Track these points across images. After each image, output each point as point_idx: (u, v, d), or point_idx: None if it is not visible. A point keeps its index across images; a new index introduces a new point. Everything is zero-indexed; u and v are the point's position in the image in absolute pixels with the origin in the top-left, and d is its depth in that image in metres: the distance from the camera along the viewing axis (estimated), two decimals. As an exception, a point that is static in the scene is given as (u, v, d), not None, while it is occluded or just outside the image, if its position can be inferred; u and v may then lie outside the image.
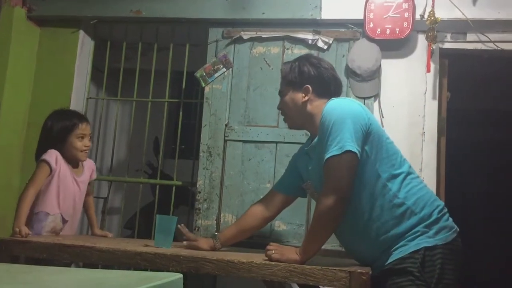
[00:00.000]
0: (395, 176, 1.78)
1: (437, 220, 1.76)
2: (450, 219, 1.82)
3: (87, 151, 2.44)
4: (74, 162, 2.43)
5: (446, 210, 1.82)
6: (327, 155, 1.73)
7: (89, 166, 2.52)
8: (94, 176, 2.57)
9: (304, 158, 2.01)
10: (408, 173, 1.81)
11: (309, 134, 2.05)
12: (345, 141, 1.70)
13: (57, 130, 2.37)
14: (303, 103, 1.93)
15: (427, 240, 1.72)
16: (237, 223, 2.22)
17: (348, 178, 1.72)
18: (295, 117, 1.98)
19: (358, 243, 1.87)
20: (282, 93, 2.01)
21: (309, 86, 1.92)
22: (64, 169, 2.35)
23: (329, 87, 1.95)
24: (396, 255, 1.74)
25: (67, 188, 2.36)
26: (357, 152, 1.71)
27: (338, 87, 2.00)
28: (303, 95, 1.93)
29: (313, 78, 1.93)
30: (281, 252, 1.76)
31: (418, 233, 1.73)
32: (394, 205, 1.75)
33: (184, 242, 2.10)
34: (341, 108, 1.79)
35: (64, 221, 2.37)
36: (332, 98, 1.91)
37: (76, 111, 2.58)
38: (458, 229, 1.81)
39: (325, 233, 1.77)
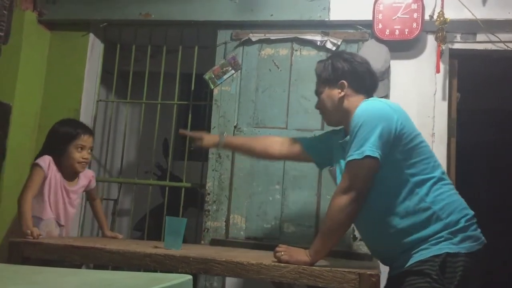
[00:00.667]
0: (425, 181, 1.75)
1: (463, 229, 1.72)
2: (478, 230, 1.77)
3: (85, 163, 2.45)
4: (70, 172, 2.44)
5: (475, 220, 1.78)
6: (348, 158, 1.74)
7: (86, 176, 2.54)
8: (94, 184, 2.58)
9: (338, 147, 2.00)
10: (440, 179, 1.78)
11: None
12: (368, 146, 1.70)
13: (59, 136, 2.39)
14: (339, 99, 1.93)
15: (450, 247, 1.69)
16: (247, 138, 2.35)
17: (363, 181, 1.72)
18: (333, 114, 1.98)
19: (379, 243, 1.86)
20: (318, 92, 2.01)
21: (344, 81, 1.93)
22: (54, 175, 2.37)
23: (364, 81, 1.95)
24: (416, 257, 1.72)
25: (56, 194, 2.38)
26: (378, 157, 1.70)
27: (374, 80, 2.00)
28: (339, 91, 1.93)
29: (347, 73, 1.93)
30: (290, 254, 1.75)
31: (442, 239, 1.70)
32: (420, 209, 1.73)
33: (192, 148, 2.22)
34: (371, 111, 1.78)
35: (60, 226, 2.39)
36: (366, 99, 1.90)
37: (83, 123, 2.59)
38: (485, 241, 1.76)
39: (335, 233, 1.77)
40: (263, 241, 2.66)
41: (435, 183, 1.76)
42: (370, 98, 1.91)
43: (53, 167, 2.36)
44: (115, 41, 3.25)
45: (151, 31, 3.16)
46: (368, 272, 1.61)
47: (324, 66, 1.98)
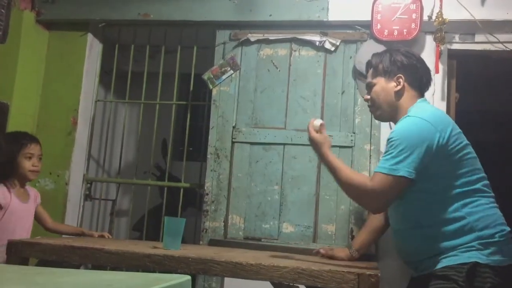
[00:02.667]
0: (463, 193, 1.75)
1: (496, 243, 1.71)
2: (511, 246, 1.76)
3: (36, 171, 2.43)
4: (21, 183, 2.42)
5: (510, 236, 1.77)
6: (383, 170, 1.73)
7: (32, 192, 2.52)
8: (39, 200, 2.55)
9: None
10: (480, 191, 1.78)
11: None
12: (404, 165, 1.70)
13: (6, 149, 2.33)
14: (395, 93, 1.92)
15: (480, 257, 1.69)
16: (365, 226, 2.23)
17: (390, 199, 1.77)
18: (384, 108, 1.96)
19: (409, 245, 1.86)
20: (371, 84, 1.98)
21: (402, 75, 1.92)
22: (14, 203, 2.34)
23: (420, 77, 1.95)
24: (444, 263, 1.72)
25: (23, 220, 2.37)
26: (412, 178, 1.71)
27: (429, 78, 1.99)
28: (395, 84, 1.92)
29: (406, 67, 1.92)
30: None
31: (473, 248, 1.70)
32: (455, 219, 1.73)
33: (321, 250, 2.15)
34: (413, 130, 1.75)
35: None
36: (421, 100, 1.91)
37: (27, 133, 2.54)
38: None
39: (339, 179, 1.85)
40: (262, 241, 2.66)
41: (473, 195, 1.76)
42: (421, 101, 1.91)
43: (8, 193, 2.33)
44: (113, 41, 3.25)
45: (150, 31, 3.16)
46: (368, 273, 1.61)
47: (382, 58, 1.96)
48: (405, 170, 1.70)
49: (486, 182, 1.82)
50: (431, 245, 1.76)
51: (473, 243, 1.70)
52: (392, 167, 1.71)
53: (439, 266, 1.72)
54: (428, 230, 1.77)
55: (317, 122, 1.96)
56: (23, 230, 2.38)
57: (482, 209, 1.75)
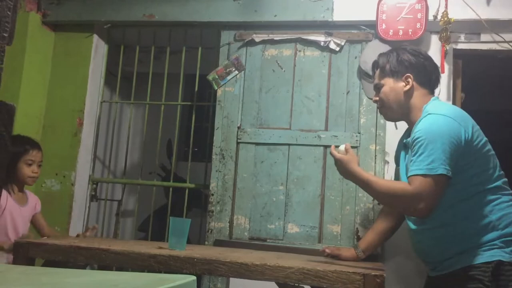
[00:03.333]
0: (486, 191, 1.74)
1: None
2: None
3: (35, 177, 2.46)
4: (20, 188, 2.44)
5: None
6: (417, 171, 1.70)
7: (33, 198, 2.54)
8: (39, 208, 2.57)
9: (402, 147, 1.98)
10: (501, 188, 1.76)
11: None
12: (440, 163, 1.67)
13: (10, 153, 2.36)
14: (405, 93, 1.91)
15: (503, 255, 1.67)
16: (373, 227, 2.19)
17: (435, 198, 1.70)
18: (394, 108, 1.94)
19: (430, 244, 1.84)
20: (379, 85, 1.97)
21: (410, 75, 1.90)
22: (10, 204, 2.36)
23: (429, 75, 1.93)
24: (466, 262, 1.70)
25: (16, 222, 2.38)
26: (449, 174, 1.68)
27: (438, 76, 1.97)
28: (404, 84, 1.91)
29: (414, 66, 1.91)
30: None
31: (495, 246, 1.69)
32: (479, 217, 1.72)
33: (327, 250, 2.13)
34: (439, 126, 1.73)
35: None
36: (434, 99, 1.89)
37: (29, 138, 2.56)
38: None
39: (376, 192, 1.80)
40: (267, 242, 2.66)
41: (496, 193, 1.74)
42: (435, 99, 1.89)
43: (7, 197, 2.35)
44: (119, 42, 3.26)
45: (155, 32, 3.17)
46: (373, 273, 1.61)
47: (388, 58, 1.95)
48: (442, 168, 1.67)
49: (505, 179, 1.80)
50: (454, 244, 1.74)
51: (496, 242, 1.69)
52: (428, 166, 1.68)
53: (461, 265, 1.70)
54: (451, 228, 1.75)
55: (342, 147, 1.90)
56: (14, 232, 2.40)
57: (504, 207, 1.73)
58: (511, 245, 1.69)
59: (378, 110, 2.07)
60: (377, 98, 1.98)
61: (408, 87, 1.90)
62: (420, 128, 1.76)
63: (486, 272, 1.65)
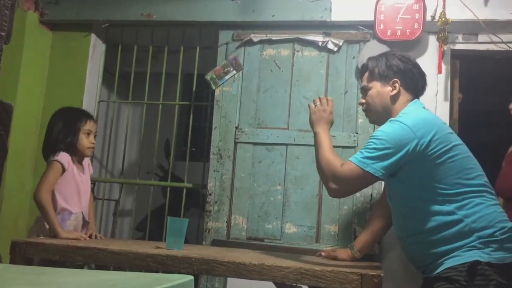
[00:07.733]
0: (458, 195, 1.75)
1: (497, 241, 1.71)
2: None
3: (93, 148, 2.46)
4: (79, 160, 2.44)
5: None
6: (353, 159, 1.79)
7: (86, 162, 2.52)
8: (91, 170, 2.57)
9: None
10: (475, 191, 1.77)
11: None
12: (376, 164, 1.75)
13: (66, 126, 2.37)
14: (391, 97, 1.94)
15: (481, 255, 1.69)
16: (366, 227, 2.23)
17: (354, 189, 1.92)
18: (379, 111, 1.97)
19: (413, 251, 1.89)
20: (366, 88, 1.99)
21: (397, 80, 1.93)
22: (76, 170, 2.37)
23: (416, 83, 1.96)
24: (446, 264, 1.73)
25: (81, 188, 2.38)
26: (377, 175, 1.76)
27: (425, 82, 2.00)
28: (391, 89, 1.93)
29: (402, 72, 1.93)
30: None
31: (474, 248, 1.70)
32: (453, 222, 1.74)
33: (322, 253, 2.17)
34: (392, 131, 1.78)
35: (85, 222, 2.38)
36: (415, 101, 1.94)
37: (82, 109, 2.61)
38: None
39: (318, 155, 1.90)
40: (265, 242, 2.66)
41: (467, 196, 1.75)
42: (412, 104, 1.92)
43: (71, 163, 2.35)
44: (116, 41, 3.26)
45: (153, 32, 3.16)
46: (371, 273, 1.61)
47: (378, 62, 1.97)
48: (373, 167, 1.74)
49: (481, 181, 1.80)
50: (434, 250, 1.77)
51: (474, 243, 1.71)
52: (363, 160, 1.76)
53: (442, 268, 1.73)
54: (427, 236, 1.78)
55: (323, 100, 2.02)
56: (86, 200, 2.42)
57: (479, 209, 1.74)
58: (490, 246, 1.70)
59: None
60: (364, 101, 2.02)
61: (394, 92, 1.93)
62: (380, 129, 1.83)
63: (461, 272, 1.67)
